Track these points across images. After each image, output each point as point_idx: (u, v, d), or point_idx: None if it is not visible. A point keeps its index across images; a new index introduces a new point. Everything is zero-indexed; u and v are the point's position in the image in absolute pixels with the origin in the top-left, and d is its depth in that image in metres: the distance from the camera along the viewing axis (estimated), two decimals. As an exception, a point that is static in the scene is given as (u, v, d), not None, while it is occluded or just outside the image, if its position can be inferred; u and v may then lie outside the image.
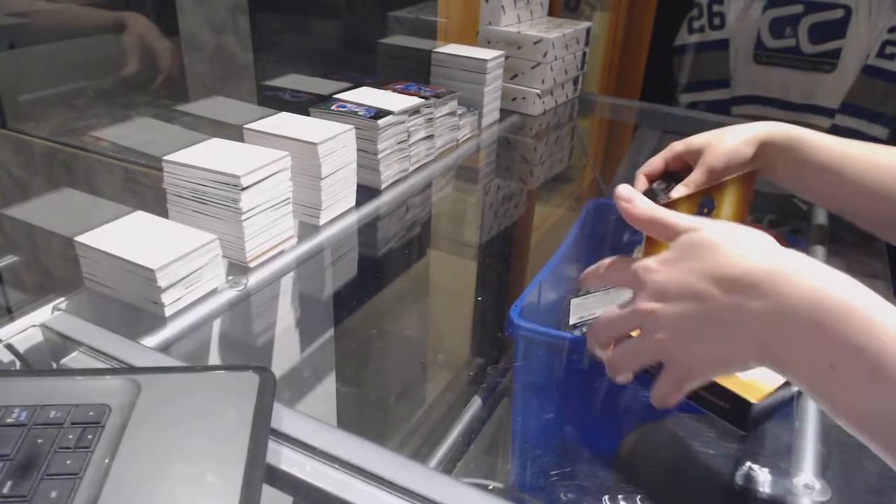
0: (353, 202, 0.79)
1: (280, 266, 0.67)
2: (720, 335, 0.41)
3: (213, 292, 0.61)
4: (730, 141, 0.61)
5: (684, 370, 0.44)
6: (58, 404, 0.40)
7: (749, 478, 0.51)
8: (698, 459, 0.56)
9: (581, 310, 0.97)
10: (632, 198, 0.49)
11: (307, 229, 0.73)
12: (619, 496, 0.56)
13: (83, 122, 0.94)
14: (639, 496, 0.56)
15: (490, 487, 0.82)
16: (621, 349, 0.48)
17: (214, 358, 0.62)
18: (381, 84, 0.92)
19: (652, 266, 0.45)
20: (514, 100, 1.14)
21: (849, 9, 1.63)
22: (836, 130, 1.69)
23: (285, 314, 0.72)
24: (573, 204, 1.38)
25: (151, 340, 0.55)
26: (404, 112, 0.83)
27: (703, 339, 0.42)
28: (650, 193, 0.61)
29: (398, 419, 1.19)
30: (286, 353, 0.78)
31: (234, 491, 0.36)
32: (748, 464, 0.52)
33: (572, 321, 0.95)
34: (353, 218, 0.77)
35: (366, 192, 0.81)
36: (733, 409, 0.53)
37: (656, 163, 0.64)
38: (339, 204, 0.76)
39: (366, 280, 0.85)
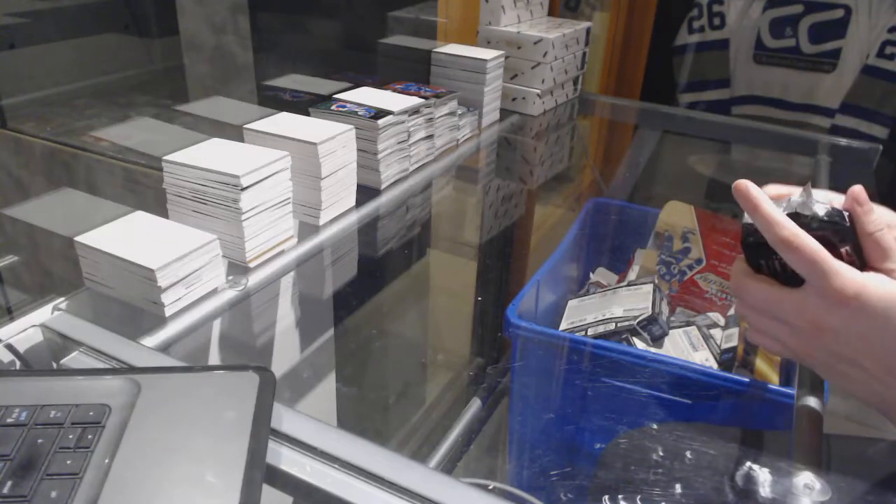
0: (353, 202, 0.79)
1: (280, 266, 0.67)
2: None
3: (213, 292, 0.61)
4: None
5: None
6: (58, 404, 0.40)
7: (749, 478, 0.51)
8: (698, 459, 0.56)
9: (575, 313, 0.96)
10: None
11: (307, 229, 0.73)
12: (619, 496, 0.56)
13: (83, 122, 0.94)
14: (639, 496, 0.56)
15: (490, 487, 0.82)
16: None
17: (214, 358, 0.62)
18: (381, 84, 0.92)
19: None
20: (514, 100, 1.14)
21: (849, 9, 1.63)
22: (836, 130, 1.69)
23: (285, 314, 0.72)
24: (573, 204, 1.38)
25: (151, 340, 0.55)
26: (404, 112, 0.83)
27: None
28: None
29: (398, 419, 1.19)
30: (286, 353, 0.78)
31: (234, 491, 0.36)
32: (748, 464, 0.52)
33: (563, 326, 0.94)
34: (353, 218, 0.77)
35: (366, 192, 0.81)
36: None
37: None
38: (339, 204, 0.76)
39: (366, 280, 0.85)
